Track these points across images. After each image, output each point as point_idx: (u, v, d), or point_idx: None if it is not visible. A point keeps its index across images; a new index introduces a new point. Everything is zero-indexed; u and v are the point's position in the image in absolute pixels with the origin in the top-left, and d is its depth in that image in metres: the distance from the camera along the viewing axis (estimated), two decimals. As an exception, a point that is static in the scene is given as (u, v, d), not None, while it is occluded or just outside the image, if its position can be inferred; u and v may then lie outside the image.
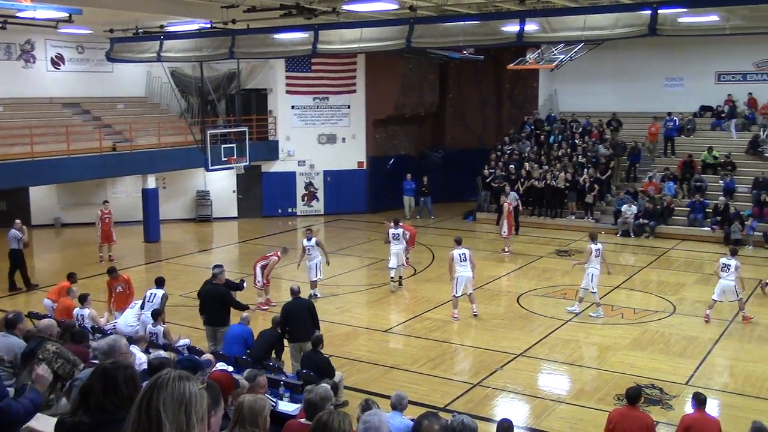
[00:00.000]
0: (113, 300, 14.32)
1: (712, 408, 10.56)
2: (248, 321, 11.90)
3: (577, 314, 15.69)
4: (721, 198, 23.71)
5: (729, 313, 15.82)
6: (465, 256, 15.46)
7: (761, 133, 26.23)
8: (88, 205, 24.64)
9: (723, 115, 27.91)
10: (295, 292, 12.31)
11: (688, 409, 9.14)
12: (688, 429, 8.33)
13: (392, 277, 18.23)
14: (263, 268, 16.30)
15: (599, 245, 15.76)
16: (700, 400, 8.52)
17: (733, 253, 15.65)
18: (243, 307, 12.91)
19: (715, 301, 15.30)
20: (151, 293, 13.03)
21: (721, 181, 24.90)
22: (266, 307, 16.18)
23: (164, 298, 13.00)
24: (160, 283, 13.36)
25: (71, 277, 13.92)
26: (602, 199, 26.00)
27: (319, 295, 17.04)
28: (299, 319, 11.75)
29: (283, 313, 11.94)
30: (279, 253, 16.66)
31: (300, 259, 17.44)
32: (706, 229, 23.43)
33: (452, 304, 15.68)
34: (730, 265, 15.11)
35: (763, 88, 27.46)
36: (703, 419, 8.43)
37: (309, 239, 17.11)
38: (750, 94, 27.65)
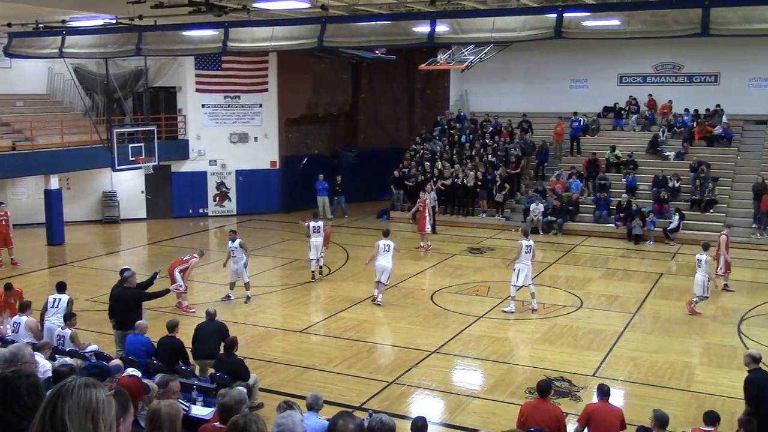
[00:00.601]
0: (6, 309, 13.57)
1: (617, 398, 10.96)
2: (145, 329, 11.39)
3: (534, 310, 15.93)
4: (624, 195, 24.64)
5: (633, 305, 16.47)
6: (388, 247, 16.66)
7: (660, 133, 27.40)
8: (-14, 207, 23.52)
9: (623, 112, 29.05)
10: (210, 315, 11.69)
11: (595, 399, 9.44)
12: (590, 418, 8.64)
13: (312, 270, 18.65)
14: (183, 272, 15.91)
15: (530, 242, 16.13)
16: (603, 391, 8.86)
17: (705, 248, 16.09)
18: (162, 293, 13.27)
19: (696, 295, 15.74)
20: (54, 299, 12.49)
21: (623, 179, 25.88)
22: (194, 310, 15.89)
23: (70, 302, 12.52)
24: (62, 287, 12.79)
25: None
26: (512, 198, 26.59)
27: (251, 297, 16.86)
28: (207, 339, 11.25)
29: (194, 333, 11.54)
30: (196, 255, 16.34)
31: (227, 259, 17.24)
32: (610, 225, 24.31)
33: (374, 286, 16.64)
34: (701, 260, 15.66)
35: (662, 90, 28.73)
36: (605, 409, 8.76)
37: (233, 240, 16.83)
38: (650, 95, 28.89)
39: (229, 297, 16.86)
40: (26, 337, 11.44)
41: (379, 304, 16.40)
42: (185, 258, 16.28)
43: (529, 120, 29.16)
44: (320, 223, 18.92)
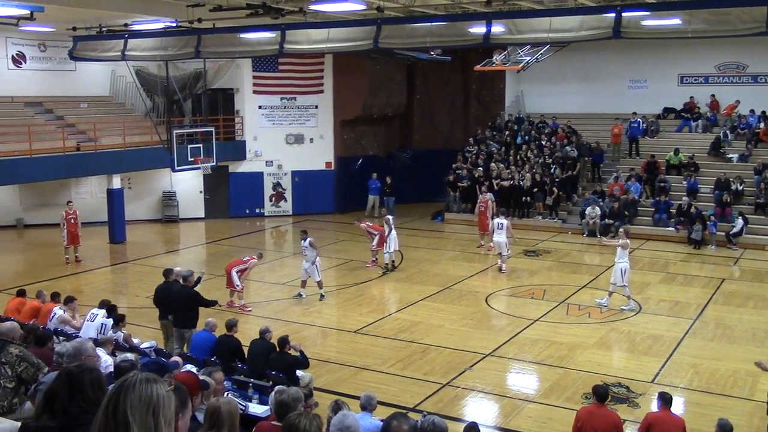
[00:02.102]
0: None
1: (678, 406, 10.68)
2: (214, 328, 11.58)
3: (605, 307, 16.12)
4: (685, 198, 24.05)
5: (694, 311, 16.07)
6: (501, 225, 19.53)
7: (722, 135, 26.68)
8: (52, 206, 24.26)
9: (689, 114, 28.26)
10: (262, 332, 11.30)
11: (654, 407, 9.24)
12: (650, 427, 8.42)
13: (386, 263, 19.73)
14: (240, 272, 16.11)
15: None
16: (665, 399, 8.63)
17: None
18: (212, 303, 12.99)
19: None
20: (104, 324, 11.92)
21: (684, 182, 25.27)
22: (250, 309, 16.13)
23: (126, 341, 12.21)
24: (118, 318, 12.11)
25: (23, 294, 13.49)
26: (569, 200, 26.23)
27: (324, 295, 17.08)
28: (257, 360, 10.95)
29: (248, 348, 11.35)
30: (255, 257, 16.54)
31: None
32: (670, 229, 23.76)
33: (500, 260, 19.63)
34: None
35: (725, 91, 27.96)
36: (667, 418, 8.52)
37: (304, 239, 17.03)
38: (713, 96, 28.11)
39: (301, 295, 17.08)
40: (97, 329, 11.75)
41: (503, 271, 19.38)
42: (245, 259, 16.48)
43: (575, 130, 28.57)
44: (390, 217, 20.27)
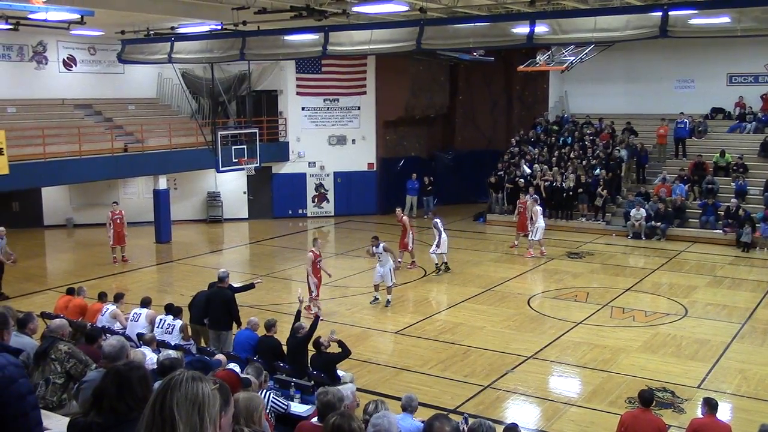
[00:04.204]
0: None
1: (724, 412, 10.48)
2: (255, 327, 11.65)
3: None
4: (733, 200, 23.54)
5: (742, 315, 15.74)
6: (537, 213, 21.28)
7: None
8: (101, 206, 24.74)
9: (743, 116, 27.54)
10: (294, 330, 11.29)
11: (700, 413, 9.08)
12: (696, 433, 8.28)
13: (443, 263, 19.72)
14: (312, 272, 16.01)
15: None
16: (711, 405, 8.45)
17: None
18: (238, 321, 12.57)
19: None
20: (161, 319, 12.16)
21: (732, 184, 24.74)
22: (317, 308, 16.15)
23: (183, 328, 12.07)
24: (177, 313, 12.34)
25: (72, 292, 13.80)
26: (613, 201, 25.89)
27: (391, 301, 16.87)
28: (296, 357, 11.05)
29: (287, 347, 11.39)
30: (313, 249, 16.36)
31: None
32: (717, 231, 23.28)
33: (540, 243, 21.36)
34: None
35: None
36: (713, 424, 8.36)
37: (377, 246, 16.90)
38: (768, 93, 27.39)
39: (376, 299, 17.03)
40: (144, 327, 12.00)
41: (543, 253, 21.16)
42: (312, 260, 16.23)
43: (632, 128, 28.16)
44: (438, 219, 19.78)
